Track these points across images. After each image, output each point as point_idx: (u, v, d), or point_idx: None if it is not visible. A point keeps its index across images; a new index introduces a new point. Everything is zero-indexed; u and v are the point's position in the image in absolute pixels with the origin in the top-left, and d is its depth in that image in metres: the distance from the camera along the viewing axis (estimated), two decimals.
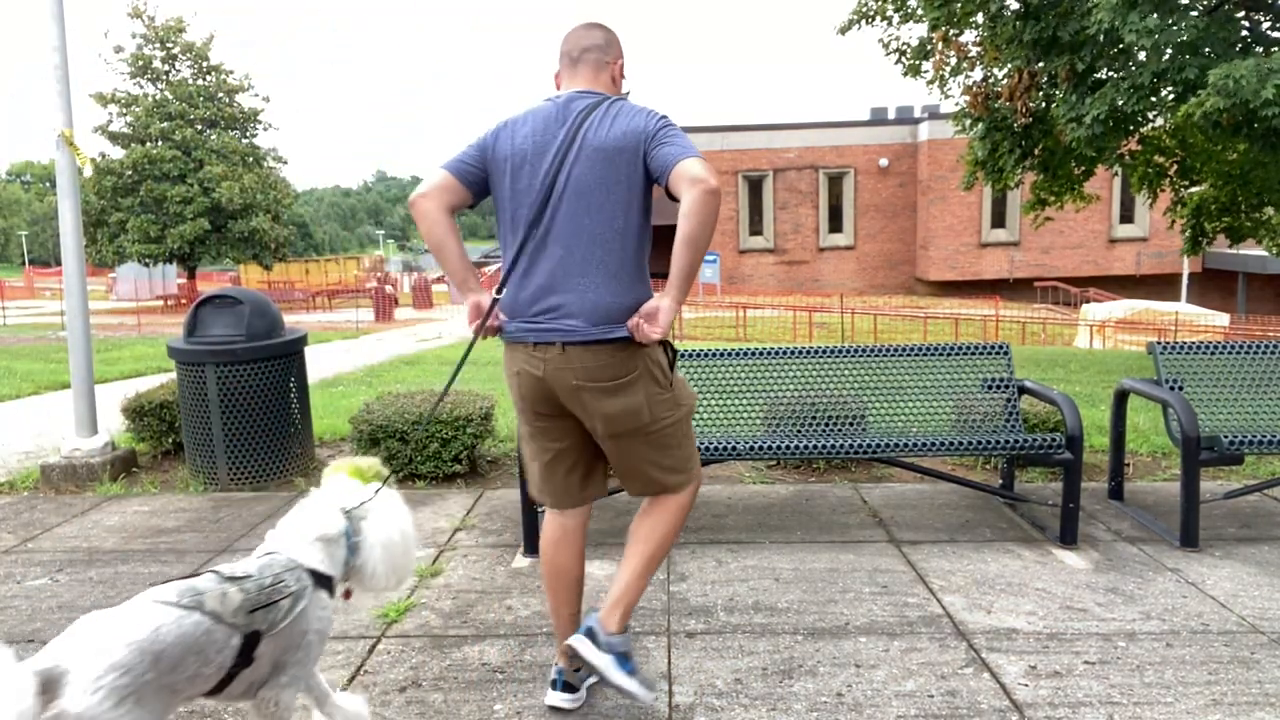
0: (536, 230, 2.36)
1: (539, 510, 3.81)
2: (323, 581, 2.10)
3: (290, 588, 2.00)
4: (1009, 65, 9.71)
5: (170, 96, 32.39)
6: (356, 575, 2.21)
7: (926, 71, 11.23)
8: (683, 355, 4.12)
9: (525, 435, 2.59)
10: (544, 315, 2.36)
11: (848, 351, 4.24)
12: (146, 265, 35.42)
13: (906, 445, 3.70)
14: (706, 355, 4.22)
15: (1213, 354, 4.19)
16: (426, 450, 4.78)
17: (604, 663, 2.41)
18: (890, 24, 11.20)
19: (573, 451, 2.54)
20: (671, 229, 2.21)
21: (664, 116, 2.35)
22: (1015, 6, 9.33)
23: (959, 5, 9.70)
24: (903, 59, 11.44)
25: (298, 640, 2.01)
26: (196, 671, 1.79)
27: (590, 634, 2.45)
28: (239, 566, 2.01)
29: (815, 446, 3.70)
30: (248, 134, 34.82)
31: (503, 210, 2.44)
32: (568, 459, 2.55)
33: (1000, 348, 4.19)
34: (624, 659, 2.44)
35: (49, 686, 1.58)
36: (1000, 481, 4.52)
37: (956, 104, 11.25)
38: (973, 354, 4.19)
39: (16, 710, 1.49)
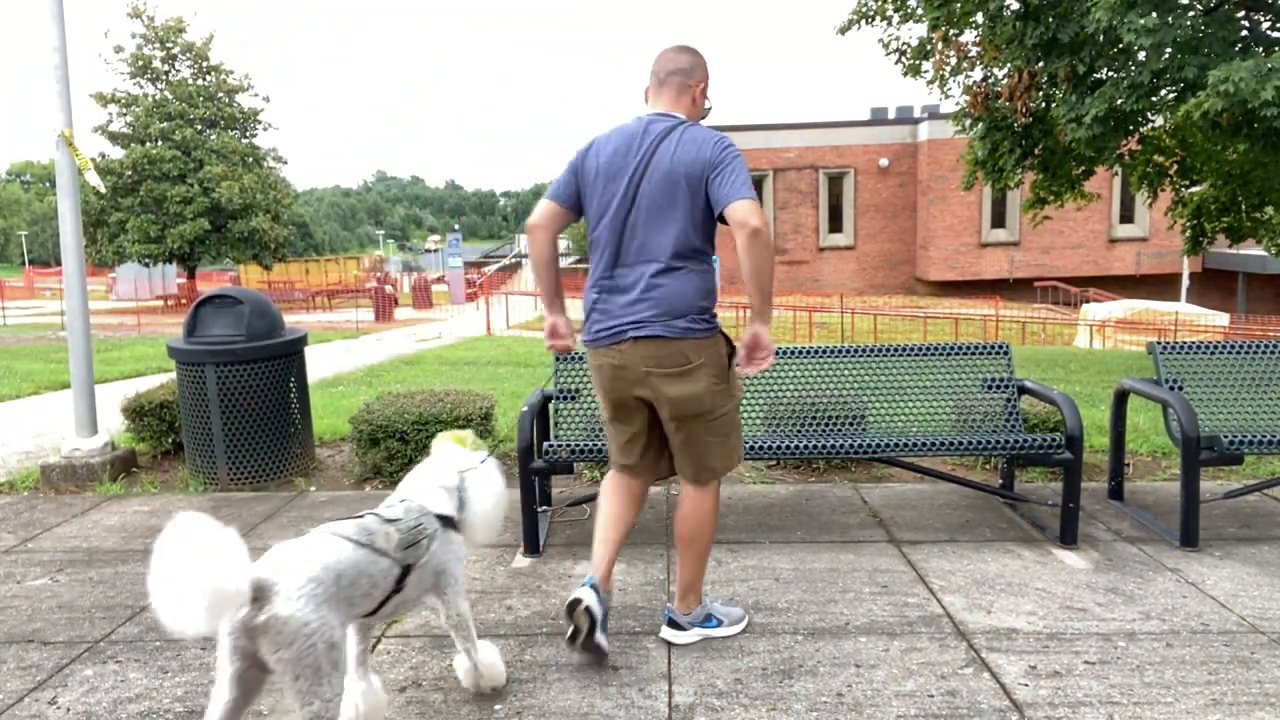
0: (618, 241, 2.72)
1: (539, 511, 3.82)
2: (448, 523, 2.51)
3: (427, 530, 2.41)
4: (1009, 65, 9.71)
5: (170, 96, 32.38)
6: (463, 526, 2.57)
7: (926, 71, 11.23)
8: None
9: (606, 420, 2.98)
10: (625, 318, 2.71)
11: (848, 351, 4.24)
12: (146, 265, 35.43)
13: (906, 445, 3.70)
14: None
15: (1213, 354, 4.19)
16: (427, 450, 4.77)
17: (699, 634, 2.94)
18: (890, 24, 11.20)
19: (643, 435, 2.92)
20: None
21: (728, 146, 2.65)
22: (1015, 7, 9.33)
23: (959, 5, 9.70)
24: (903, 59, 11.44)
25: (438, 570, 2.45)
26: (366, 592, 2.19)
27: (674, 624, 2.95)
28: (387, 510, 2.39)
29: (815, 446, 3.70)
30: (247, 134, 34.82)
31: (591, 224, 2.81)
32: (640, 441, 2.92)
33: (1000, 348, 4.19)
34: (708, 619, 2.98)
35: (260, 595, 1.93)
36: (1000, 481, 4.52)
37: (956, 104, 11.25)
38: (973, 354, 4.19)
39: (239, 614, 1.92)
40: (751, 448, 3.70)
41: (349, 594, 2.12)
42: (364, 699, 2.40)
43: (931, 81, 11.13)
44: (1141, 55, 8.25)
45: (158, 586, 1.81)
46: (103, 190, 5.18)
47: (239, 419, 4.81)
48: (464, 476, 2.59)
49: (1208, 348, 4.21)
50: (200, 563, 1.79)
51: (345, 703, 2.23)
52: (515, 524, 4.09)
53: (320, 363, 11.57)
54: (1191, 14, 7.98)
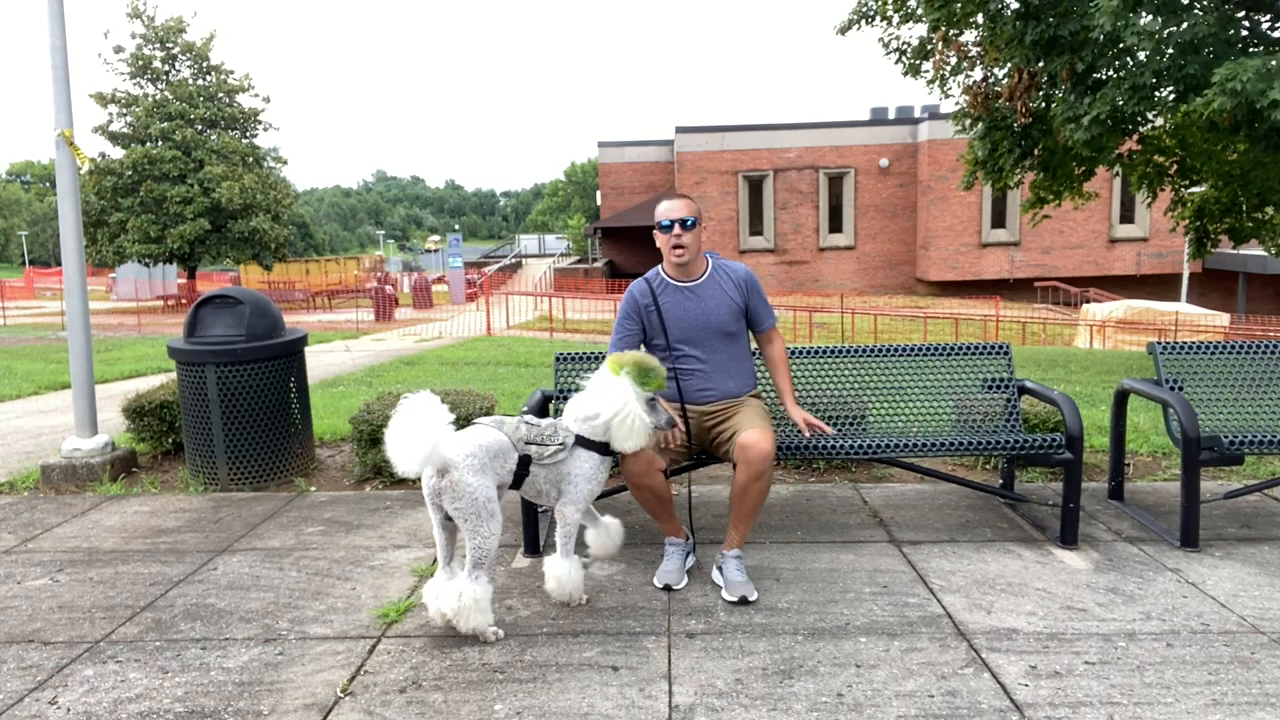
0: None
1: (539, 511, 3.82)
2: (583, 442, 3.14)
3: (559, 439, 3.10)
4: (1009, 65, 9.71)
5: (170, 96, 32.39)
6: (611, 439, 3.17)
7: (926, 71, 11.23)
8: None
9: None
10: None
11: (848, 351, 4.24)
12: (146, 265, 35.45)
13: (907, 445, 3.69)
14: None
15: (1213, 354, 4.19)
16: None
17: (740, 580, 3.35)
18: (890, 24, 11.19)
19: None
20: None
21: None
22: (1015, 7, 9.33)
23: (959, 5, 9.70)
24: (903, 59, 11.43)
25: (565, 475, 3.14)
26: (503, 466, 3.00)
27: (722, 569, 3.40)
28: (541, 420, 3.16)
29: (815, 446, 3.69)
30: (248, 134, 34.83)
31: None
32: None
33: (1000, 348, 4.19)
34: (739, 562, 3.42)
35: (443, 468, 2.84)
36: (1000, 481, 4.52)
37: (956, 104, 11.24)
38: (973, 354, 4.19)
39: (432, 481, 2.87)
40: None
41: (493, 466, 2.95)
42: (599, 535, 3.42)
43: (931, 81, 11.12)
44: (1142, 55, 8.25)
45: (395, 435, 2.77)
46: (84, 171, 5.13)
47: (239, 419, 4.81)
48: (614, 409, 3.11)
49: (1208, 348, 4.21)
50: (427, 431, 2.76)
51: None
52: (515, 524, 4.10)
53: (320, 363, 11.57)
54: (1196, 12, 7.97)
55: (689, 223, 3.49)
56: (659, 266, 3.69)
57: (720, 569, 3.39)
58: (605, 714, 2.54)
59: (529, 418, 3.15)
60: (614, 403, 3.11)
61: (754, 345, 3.83)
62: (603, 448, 3.15)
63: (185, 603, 3.38)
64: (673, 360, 3.58)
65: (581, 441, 3.13)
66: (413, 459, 2.74)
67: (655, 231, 3.60)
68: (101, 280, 43.09)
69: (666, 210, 3.52)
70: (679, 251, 3.51)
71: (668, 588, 3.37)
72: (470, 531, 2.86)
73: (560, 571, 3.17)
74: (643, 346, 3.68)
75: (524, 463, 3.04)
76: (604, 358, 4.15)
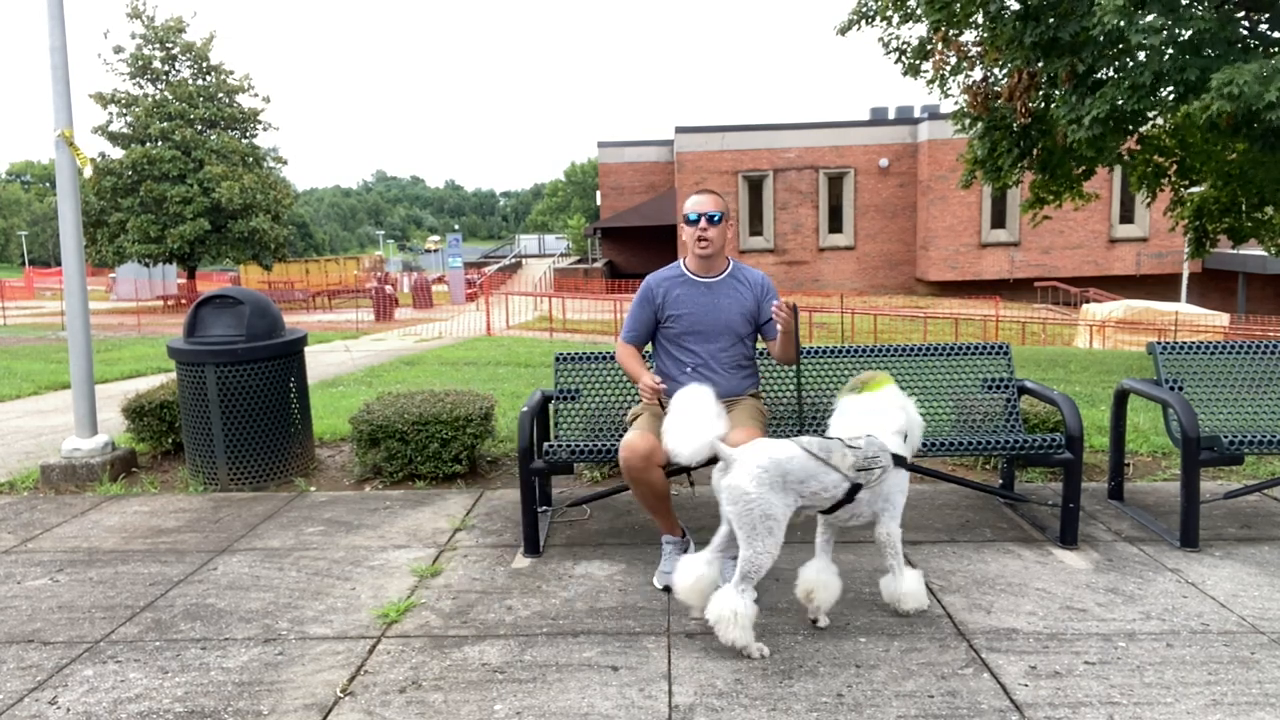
0: None
1: (540, 511, 3.82)
2: (899, 461, 3.07)
3: (882, 462, 3.00)
4: (1009, 65, 9.71)
5: (170, 96, 32.39)
6: (912, 448, 3.22)
7: (926, 71, 11.22)
8: None
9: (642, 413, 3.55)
10: None
11: (848, 351, 4.24)
12: (146, 265, 35.44)
13: None
14: None
15: (1213, 354, 4.18)
16: (426, 450, 4.77)
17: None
18: (890, 24, 11.19)
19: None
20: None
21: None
22: (1015, 7, 9.32)
23: (959, 6, 9.70)
24: (903, 59, 11.42)
25: (886, 496, 3.05)
26: (815, 492, 2.91)
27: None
28: (853, 440, 3.01)
29: None
30: (248, 134, 34.82)
31: None
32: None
33: (1000, 348, 4.19)
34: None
35: (727, 465, 2.86)
36: (1000, 481, 4.52)
37: (956, 104, 11.24)
38: (973, 354, 4.19)
39: (715, 475, 2.92)
40: None
41: (796, 487, 2.87)
42: (819, 575, 3.08)
43: (931, 81, 11.12)
44: (1142, 56, 8.25)
45: (674, 424, 2.88)
46: (87, 174, 5.14)
47: (239, 419, 4.81)
48: (909, 419, 3.15)
49: (1208, 348, 4.21)
50: (705, 425, 2.85)
51: (804, 575, 3.05)
52: (515, 524, 4.10)
53: (320, 363, 11.57)
54: (1197, 12, 7.96)
55: (716, 217, 3.54)
56: (680, 260, 3.73)
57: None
58: (605, 714, 2.54)
59: (850, 440, 3.02)
60: (909, 413, 3.17)
61: (760, 346, 3.85)
62: (903, 460, 3.10)
63: (185, 603, 3.38)
64: (678, 353, 3.61)
65: (896, 459, 3.08)
66: (688, 447, 2.83)
67: (681, 224, 3.63)
68: (101, 280, 43.09)
69: (695, 204, 3.57)
70: (703, 244, 3.55)
71: (668, 589, 3.33)
72: (744, 541, 2.83)
73: (914, 586, 3.11)
74: (652, 339, 3.72)
75: (852, 490, 2.95)
76: (605, 357, 4.16)
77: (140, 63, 32.46)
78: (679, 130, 34.00)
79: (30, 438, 6.45)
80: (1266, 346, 4.18)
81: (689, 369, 3.59)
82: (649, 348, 3.77)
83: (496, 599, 3.35)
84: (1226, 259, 28.43)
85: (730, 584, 2.85)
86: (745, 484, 2.80)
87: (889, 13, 10.98)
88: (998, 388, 4.09)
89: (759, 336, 3.75)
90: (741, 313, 3.61)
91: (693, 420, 2.85)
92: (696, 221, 3.54)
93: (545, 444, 3.74)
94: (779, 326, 3.42)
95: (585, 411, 4.08)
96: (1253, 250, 24.07)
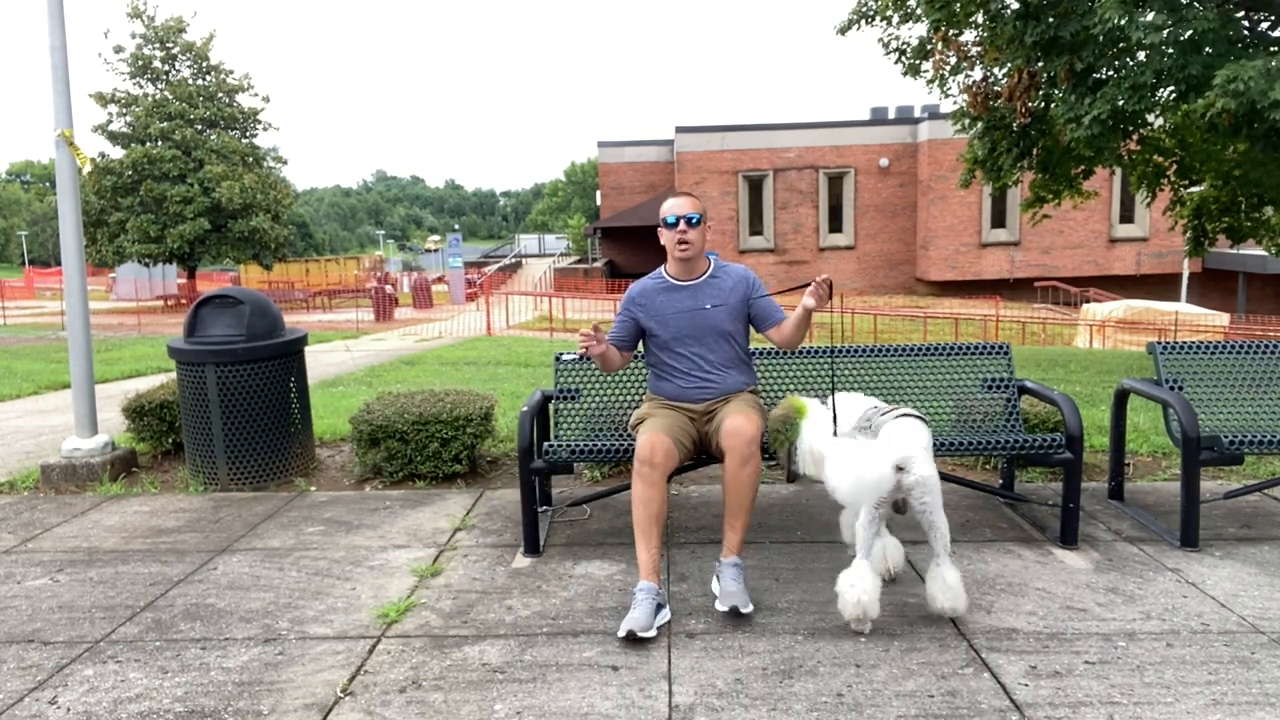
0: None
1: (539, 511, 3.82)
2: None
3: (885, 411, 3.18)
4: (1009, 65, 9.71)
5: (170, 96, 32.38)
6: None
7: (926, 71, 11.22)
8: None
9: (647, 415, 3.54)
10: None
11: (848, 351, 4.24)
12: (146, 265, 35.43)
13: None
14: None
15: (1213, 354, 4.18)
16: (426, 450, 4.77)
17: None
18: (890, 24, 11.19)
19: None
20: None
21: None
22: (1015, 7, 9.32)
23: (959, 5, 9.70)
24: (903, 59, 11.42)
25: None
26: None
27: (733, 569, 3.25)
28: (876, 411, 3.22)
29: None
30: (248, 134, 34.81)
31: None
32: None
33: (1000, 348, 4.19)
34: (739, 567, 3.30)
35: (901, 465, 2.88)
36: (1000, 481, 4.52)
37: (956, 104, 11.24)
38: (973, 354, 4.19)
39: (895, 479, 2.89)
40: None
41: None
42: (891, 549, 3.36)
43: (931, 81, 11.12)
44: (1143, 55, 8.25)
45: (843, 463, 2.85)
46: (86, 171, 5.13)
47: (239, 419, 4.81)
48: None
49: (1208, 348, 4.21)
50: (864, 461, 2.84)
51: (877, 551, 3.16)
52: (515, 524, 4.10)
53: (320, 363, 11.57)
54: (1198, 10, 7.96)
55: (694, 219, 3.53)
56: (662, 266, 3.72)
57: (718, 578, 3.27)
58: (605, 714, 2.54)
59: (877, 410, 3.23)
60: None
61: (753, 345, 3.85)
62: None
63: (185, 603, 3.38)
64: (669, 358, 3.60)
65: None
66: (883, 467, 2.84)
67: (660, 228, 3.61)
68: (101, 280, 43.09)
69: (672, 207, 3.56)
70: (683, 247, 3.54)
71: (630, 634, 2.91)
72: (939, 519, 2.96)
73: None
74: (640, 343, 3.73)
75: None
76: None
77: (140, 62, 32.45)
78: (679, 130, 34.01)
79: (30, 437, 6.45)
80: (1266, 346, 4.18)
81: (684, 371, 3.59)
82: (641, 348, 3.78)
83: (496, 599, 3.35)
84: (1226, 259, 28.44)
85: (945, 563, 3.02)
86: (932, 469, 2.94)
87: (889, 13, 10.97)
88: (998, 388, 4.09)
89: (752, 330, 3.72)
90: (727, 312, 3.59)
91: (858, 448, 2.90)
92: (675, 225, 3.53)
93: (545, 444, 3.74)
94: (812, 301, 3.29)
95: (585, 411, 4.08)
96: (1253, 250, 24.06)
